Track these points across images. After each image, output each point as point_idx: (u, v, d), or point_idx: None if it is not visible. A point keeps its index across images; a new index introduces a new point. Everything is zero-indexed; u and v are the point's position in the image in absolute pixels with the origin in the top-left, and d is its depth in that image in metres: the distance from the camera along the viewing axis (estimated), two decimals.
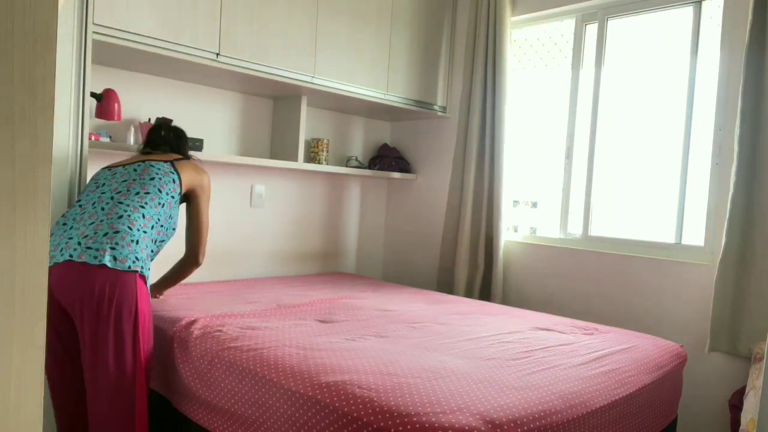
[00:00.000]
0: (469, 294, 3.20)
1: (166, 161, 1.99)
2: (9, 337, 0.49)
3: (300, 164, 2.96)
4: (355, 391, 1.45)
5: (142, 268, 1.78)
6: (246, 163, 2.76)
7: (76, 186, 2.02)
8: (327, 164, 3.25)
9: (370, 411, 1.37)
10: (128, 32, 2.14)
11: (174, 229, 2.00)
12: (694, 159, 2.66)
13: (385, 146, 3.70)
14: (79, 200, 1.88)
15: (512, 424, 1.35)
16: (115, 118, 2.36)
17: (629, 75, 2.91)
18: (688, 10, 2.68)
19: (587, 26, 3.03)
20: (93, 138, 2.29)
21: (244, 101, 3.05)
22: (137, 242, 1.78)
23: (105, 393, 1.70)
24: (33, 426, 0.51)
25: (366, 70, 3.02)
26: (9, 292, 0.49)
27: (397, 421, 1.32)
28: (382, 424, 1.33)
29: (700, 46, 2.65)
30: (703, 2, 2.64)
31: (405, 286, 3.18)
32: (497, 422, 1.34)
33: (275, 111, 3.15)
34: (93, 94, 2.25)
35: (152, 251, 1.90)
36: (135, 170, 1.94)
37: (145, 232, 1.82)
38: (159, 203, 1.88)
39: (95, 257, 1.69)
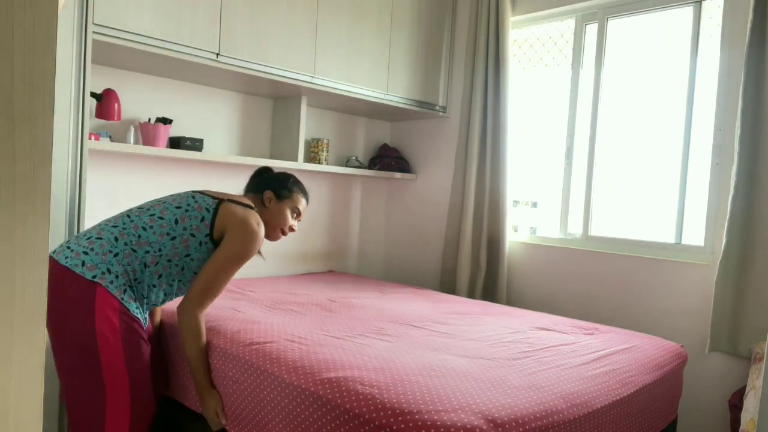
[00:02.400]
0: (471, 295, 3.19)
1: (214, 197, 1.82)
2: (9, 337, 0.49)
3: (300, 164, 2.96)
4: (357, 388, 1.45)
5: (111, 283, 1.61)
6: (246, 163, 2.76)
7: (77, 186, 2.02)
8: (327, 164, 3.25)
9: (372, 408, 1.37)
10: (128, 32, 2.14)
11: (195, 273, 1.80)
12: (694, 159, 2.66)
13: (385, 146, 3.70)
14: None
15: (513, 424, 1.35)
16: (115, 118, 2.36)
17: (629, 75, 2.91)
18: (688, 10, 2.68)
19: (587, 26, 3.03)
20: (93, 138, 2.29)
21: (244, 101, 3.05)
22: (116, 254, 1.64)
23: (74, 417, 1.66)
24: (33, 426, 0.51)
25: (366, 70, 3.01)
26: (9, 291, 0.49)
27: (399, 418, 1.32)
28: (383, 421, 1.33)
29: (700, 46, 2.65)
30: (703, 2, 2.64)
31: (406, 285, 3.18)
32: (498, 421, 1.34)
33: (275, 111, 3.15)
34: (93, 94, 2.25)
35: (149, 285, 1.71)
36: (177, 196, 1.84)
37: (134, 250, 1.67)
38: (168, 233, 1.72)
39: (66, 257, 1.61)
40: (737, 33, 2.45)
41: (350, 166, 3.45)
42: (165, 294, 1.79)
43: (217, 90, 2.93)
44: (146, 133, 2.49)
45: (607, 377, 1.74)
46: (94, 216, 2.53)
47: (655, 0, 2.75)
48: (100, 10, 2.05)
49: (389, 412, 1.34)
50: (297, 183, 2.03)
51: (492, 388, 1.51)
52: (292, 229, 1.99)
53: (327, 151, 3.26)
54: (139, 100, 2.63)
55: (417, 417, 1.32)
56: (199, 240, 1.75)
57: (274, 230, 1.95)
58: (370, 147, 3.76)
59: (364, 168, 3.53)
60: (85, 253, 1.62)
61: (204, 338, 1.79)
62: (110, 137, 2.43)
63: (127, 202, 2.59)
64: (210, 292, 1.74)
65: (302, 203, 2.01)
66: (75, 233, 2.00)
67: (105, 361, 1.59)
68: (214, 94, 2.92)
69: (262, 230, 1.81)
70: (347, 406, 1.41)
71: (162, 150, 2.47)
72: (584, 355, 1.90)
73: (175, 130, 2.72)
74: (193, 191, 1.86)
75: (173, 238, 1.72)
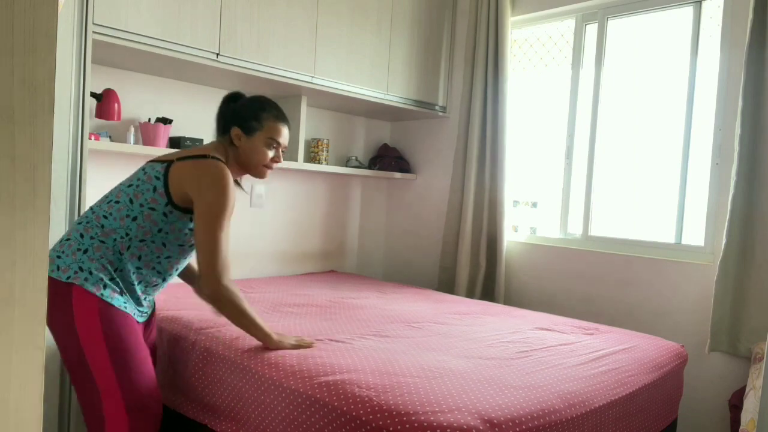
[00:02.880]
0: (470, 294, 3.19)
1: (164, 162, 1.66)
2: (9, 337, 0.49)
3: (300, 164, 2.96)
4: (354, 390, 1.45)
5: (86, 280, 1.54)
6: None
7: (77, 186, 2.02)
8: (327, 164, 3.25)
9: (369, 410, 1.37)
10: (128, 32, 2.14)
11: (180, 245, 1.69)
12: (694, 159, 2.66)
13: (385, 146, 3.70)
14: None
15: (510, 423, 1.35)
16: (115, 118, 2.36)
17: (629, 75, 2.91)
18: (688, 10, 2.68)
19: (587, 26, 3.03)
20: (93, 138, 2.29)
21: None
22: (85, 251, 1.57)
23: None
24: (33, 426, 0.51)
25: (366, 70, 3.02)
26: (9, 292, 0.49)
27: (396, 420, 1.32)
28: (380, 423, 1.33)
29: (700, 46, 2.65)
30: (703, 2, 2.64)
31: (406, 285, 3.18)
32: (496, 421, 1.34)
33: None
34: (93, 94, 2.25)
35: (135, 269, 1.63)
36: (141, 169, 1.69)
37: (102, 241, 1.59)
38: (128, 215, 1.60)
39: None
40: (737, 33, 2.45)
41: (350, 166, 3.45)
42: (158, 272, 1.68)
43: (217, 90, 2.93)
44: (146, 133, 2.49)
45: (607, 377, 1.74)
46: None
47: (655, 0, 2.75)
48: (100, 10, 2.05)
49: (386, 414, 1.34)
50: (266, 108, 1.75)
51: (489, 388, 1.51)
52: (275, 161, 1.77)
53: (327, 151, 3.26)
54: (139, 100, 2.63)
55: (414, 419, 1.32)
56: (162, 212, 1.61)
57: (257, 168, 1.76)
58: (370, 147, 3.76)
59: (364, 168, 3.53)
60: (58, 257, 1.57)
61: (244, 301, 1.63)
62: (110, 137, 2.43)
63: None
64: (213, 255, 1.57)
65: (279, 132, 1.75)
66: None
67: (92, 363, 1.53)
68: (214, 94, 2.92)
69: (223, 170, 1.60)
70: (345, 408, 1.41)
71: (162, 150, 2.46)
72: (583, 355, 1.90)
73: (175, 130, 2.72)
74: (146, 162, 1.70)
75: (134, 219, 1.60)
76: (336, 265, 3.62)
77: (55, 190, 1.96)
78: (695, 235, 2.64)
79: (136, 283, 1.65)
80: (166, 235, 1.64)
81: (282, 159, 1.80)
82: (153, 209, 1.61)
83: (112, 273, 1.59)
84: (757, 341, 2.31)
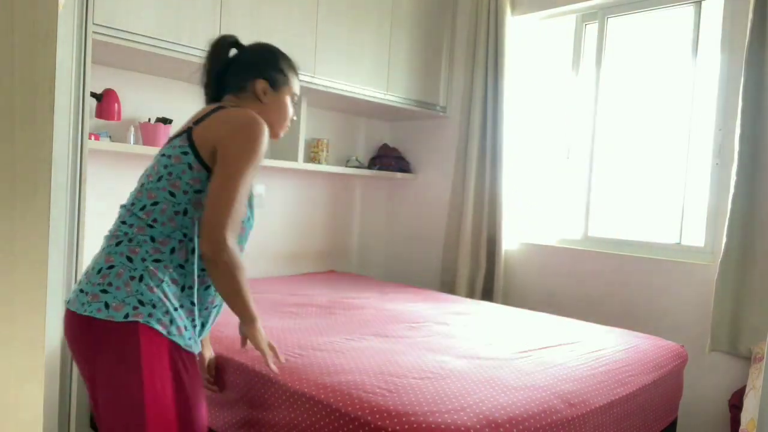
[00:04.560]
0: (470, 294, 3.20)
1: (180, 134, 1.38)
2: (9, 336, 0.49)
3: (300, 164, 2.96)
4: (355, 392, 1.45)
5: (150, 315, 1.24)
6: None
7: (77, 186, 2.02)
8: (327, 164, 3.25)
9: (368, 411, 1.37)
10: (128, 32, 2.14)
11: (248, 218, 1.46)
12: (694, 159, 2.66)
13: (385, 146, 3.70)
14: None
15: (513, 422, 1.35)
16: (115, 118, 2.36)
17: (629, 74, 2.91)
18: (688, 10, 2.68)
19: (587, 26, 3.03)
20: (93, 138, 2.29)
21: None
22: (140, 278, 1.26)
23: None
24: (33, 426, 0.51)
25: (366, 70, 3.02)
26: (9, 291, 0.49)
27: (395, 420, 1.32)
28: (379, 423, 1.33)
29: (700, 46, 2.65)
30: (703, 2, 2.64)
31: (406, 285, 3.18)
32: (499, 421, 1.34)
33: None
34: (93, 94, 2.25)
35: (200, 271, 1.36)
36: (161, 156, 1.37)
37: (158, 260, 1.29)
38: (176, 212, 1.32)
39: (83, 304, 1.25)
40: (737, 32, 2.46)
41: (350, 166, 3.45)
42: None
43: None
44: (146, 133, 2.49)
45: (607, 377, 1.74)
46: (94, 216, 2.53)
47: (655, 0, 2.76)
48: (100, 10, 2.05)
49: (385, 414, 1.34)
50: (285, 57, 1.55)
51: (490, 389, 1.51)
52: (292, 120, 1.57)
53: (327, 151, 3.26)
54: (139, 100, 2.63)
55: (413, 419, 1.32)
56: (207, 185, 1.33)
57: (281, 127, 1.53)
58: (370, 147, 3.76)
59: (364, 168, 3.54)
60: (104, 291, 1.25)
61: (243, 270, 1.36)
62: (110, 137, 2.43)
63: None
64: (227, 207, 1.27)
65: (297, 85, 1.57)
66: (75, 237, 2.00)
67: (150, 416, 1.24)
68: None
69: (259, 117, 1.37)
70: (346, 409, 1.40)
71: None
72: (583, 355, 1.90)
73: (175, 130, 2.72)
74: (162, 149, 1.41)
75: (185, 213, 1.32)
76: (336, 265, 3.62)
77: (55, 190, 1.96)
78: (695, 235, 2.64)
79: (201, 289, 1.38)
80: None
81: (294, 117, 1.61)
82: (199, 191, 1.33)
83: (177, 299, 1.32)
84: (757, 341, 2.31)
